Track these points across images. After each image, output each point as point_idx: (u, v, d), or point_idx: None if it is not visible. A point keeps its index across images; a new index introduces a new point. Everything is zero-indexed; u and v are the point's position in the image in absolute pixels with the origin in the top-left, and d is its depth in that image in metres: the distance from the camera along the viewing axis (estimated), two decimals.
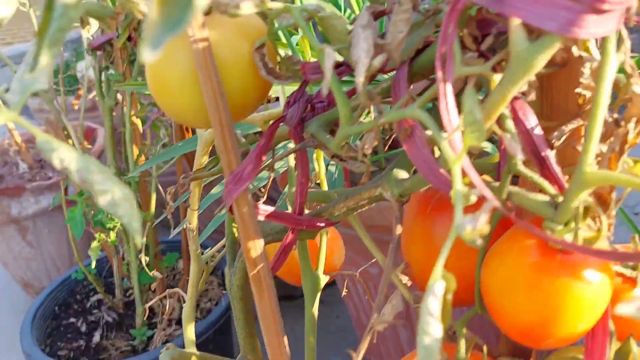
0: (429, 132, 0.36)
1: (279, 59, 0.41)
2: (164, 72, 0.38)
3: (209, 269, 0.67)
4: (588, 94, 0.36)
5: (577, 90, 0.36)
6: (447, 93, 0.31)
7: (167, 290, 0.71)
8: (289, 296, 1.49)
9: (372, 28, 0.35)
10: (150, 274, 1.02)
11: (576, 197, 0.31)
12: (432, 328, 0.27)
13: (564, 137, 0.37)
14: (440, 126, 0.31)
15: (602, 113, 0.30)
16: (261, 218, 0.43)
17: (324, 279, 0.57)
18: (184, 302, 1.23)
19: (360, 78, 0.32)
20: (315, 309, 0.57)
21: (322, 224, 0.45)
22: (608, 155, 0.34)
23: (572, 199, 0.31)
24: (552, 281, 0.32)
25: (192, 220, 0.58)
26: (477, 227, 0.25)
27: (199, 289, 0.67)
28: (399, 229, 0.39)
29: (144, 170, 1.10)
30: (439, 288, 0.27)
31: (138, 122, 1.11)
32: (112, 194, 0.30)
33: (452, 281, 0.27)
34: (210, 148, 0.58)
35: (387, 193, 0.39)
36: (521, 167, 0.34)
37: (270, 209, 0.43)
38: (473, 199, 0.30)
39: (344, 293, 0.62)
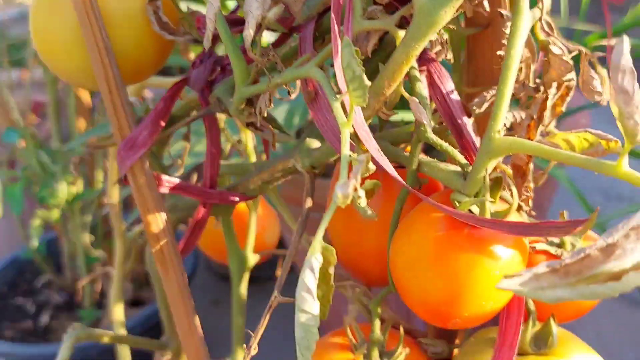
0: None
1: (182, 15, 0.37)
2: (47, 25, 0.34)
3: (138, 247, 0.63)
4: None
5: (499, 52, 0.33)
6: (339, 50, 0.28)
7: (98, 270, 0.68)
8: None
9: None
10: (96, 254, 0.98)
11: (484, 166, 0.28)
12: (309, 305, 0.24)
13: (485, 104, 0.34)
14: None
15: (512, 74, 0.28)
16: (165, 190, 0.39)
17: (254, 258, 0.54)
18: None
19: (249, 30, 0.29)
20: (244, 289, 0.54)
21: (236, 199, 0.42)
22: (527, 123, 0.31)
23: (480, 169, 0.29)
24: (457, 256, 0.29)
25: (112, 194, 0.54)
26: (348, 192, 0.22)
27: (127, 268, 0.63)
28: (308, 202, 0.36)
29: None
30: (315, 262, 0.24)
31: (85, 93, 1.07)
32: None
33: (332, 255, 0.24)
34: None
35: (298, 164, 0.36)
36: (430, 135, 0.31)
37: (175, 180, 0.40)
38: (372, 167, 0.27)
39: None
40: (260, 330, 0.35)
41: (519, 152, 0.28)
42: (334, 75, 0.28)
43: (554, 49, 0.29)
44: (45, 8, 0.34)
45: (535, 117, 0.31)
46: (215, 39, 0.38)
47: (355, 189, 0.22)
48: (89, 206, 1.08)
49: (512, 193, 0.30)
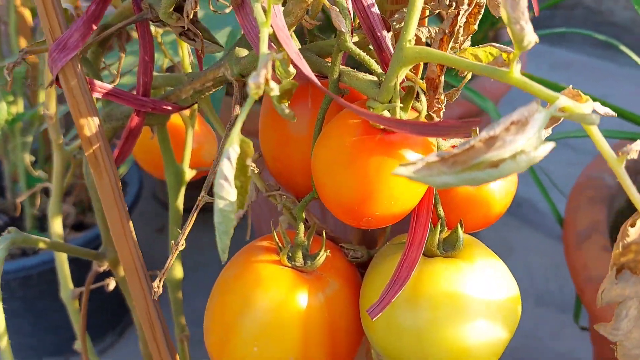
0: None
1: None
2: None
3: (77, 162, 0.64)
4: None
5: None
6: None
7: (38, 185, 0.68)
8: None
9: None
10: (36, 174, 0.98)
11: (395, 74, 0.30)
12: (226, 192, 0.26)
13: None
14: None
15: None
16: (97, 95, 0.40)
17: (190, 173, 0.55)
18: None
19: None
20: (180, 202, 0.56)
21: (169, 107, 0.43)
22: (439, 37, 0.33)
23: (392, 77, 0.30)
24: (369, 158, 0.31)
25: (50, 105, 0.54)
26: (259, 82, 0.24)
27: (66, 182, 0.64)
28: (237, 110, 0.37)
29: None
30: (232, 152, 0.25)
31: (26, 12, 1.03)
32: None
33: (249, 147, 0.26)
34: None
35: (228, 72, 0.37)
36: (350, 44, 0.32)
37: (108, 86, 0.41)
38: (292, 70, 0.29)
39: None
40: (187, 228, 0.37)
41: (427, 61, 0.30)
42: None
43: None
44: None
45: (447, 32, 0.33)
46: None
47: (267, 82, 0.24)
48: (29, 127, 1.06)
49: (435, 99, 0.32)
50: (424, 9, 0.36)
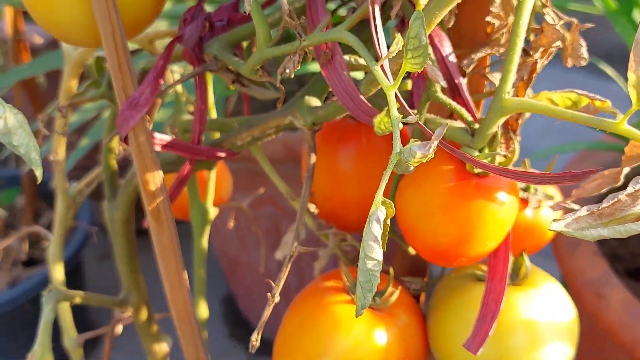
0: (346, 57, 0.35)
1: None
2: None
3: (77, 205, 0.61)
4: (497, 22, 0.36)
5: (488, 18, 0.37)
6: (376, 15, 0.30)
7: (22, 229, 0.65)
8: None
9: None
10: None
11: (494, 124, 0.32)
12: (375, 253, 0.26)
13: (472, 66, 0.37)
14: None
15: (520, 42, 0.31)
16: (158, 148, 0.40)
17: (213, 212, 0.55)
18: (32, 241, 1.13)
19: None
20: (205, 242, 0.55)
21: (223, 154, 0.43)
22: (517, 84, 0.35)
23: (490, 126, 0.32)
24: (468, 203, 0.33)
25: (59, 149, 0.52)
26: (429, 153, 0.25)
27: (67, 225, 0.61)
28: (313, 158, 0.38)
29: None
30: (381, 213, 0.26)
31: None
32: (4, 120, 0.26)
33: (390, 208, 0.27)
34: (81, 71, 0.52)
35: (300, 121, 0.38)
36: (440, 94, 0.34)
37: (167, 138, 0.40)
38: (400, 125, 0.30)
39: (231, 225, 0.60)
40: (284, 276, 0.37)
41: (528, 111, 0.32)
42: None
43: (548, 18, 0.33)
44: None
45: (525, 78, 0.35)
46: None
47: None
48: None
49: (511, 146, 0.34)
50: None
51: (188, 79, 0.38)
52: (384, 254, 0.44)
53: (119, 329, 0.60)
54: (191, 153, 0.41)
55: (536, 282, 0.40)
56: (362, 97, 0.33)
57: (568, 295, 0.41)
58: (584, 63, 0.33)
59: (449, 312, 0.40)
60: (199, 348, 0.47)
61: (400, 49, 0.28)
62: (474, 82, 0.39)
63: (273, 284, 0.35)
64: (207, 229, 0.55)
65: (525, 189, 0.42)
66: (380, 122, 0.30)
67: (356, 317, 0.33)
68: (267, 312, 0.35)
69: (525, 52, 0.35)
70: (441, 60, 0.35)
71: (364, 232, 0.27)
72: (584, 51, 0.33)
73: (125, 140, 0.37)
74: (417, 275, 0.46)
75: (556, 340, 0.38)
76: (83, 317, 1.18)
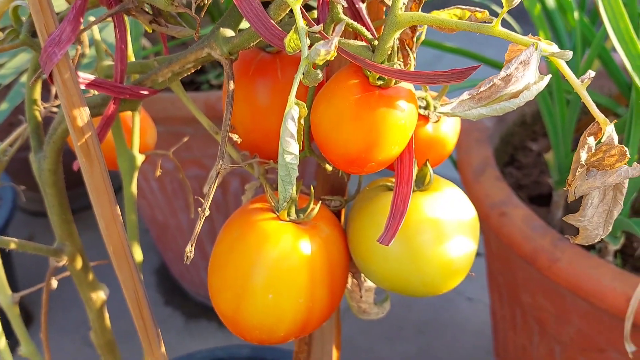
0: None
1: None
2: None
3: (3, 165, 0.62)
4: None
5: None
6: None
7: None
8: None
9: None
10: None
11: (390, 38, 0.36)
12: (292, 147, 0.30)
13: None
14: None
15: None
16: (82, 87, 0.41)
17: (140, 158, 0.57)
18: None
19: None
20: (134, 188, 0.58)
21: (146, 92, 0.45)
22: (410, 5, 0.39)
23: (387, 39, 0.36)
24: (372, 112, 0.37)
25: None
26: (331, 49, 0.28)
27: None
28: (232, 85, 0.41)
29: None
30: (295, 112, 0.30)
31: None
32: None
33: (303, 108, 0.31)
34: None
35: (217, 52, 0.41)
36: (342, 15, 0.38)
37: (90, 77, 0.42)
38: (307, 41, 0.33)
39: (158, 173, 0.62)
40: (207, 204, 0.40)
41: (418, 23, 0.36)
42: None
43: None
44: None
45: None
46: None
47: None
48: None
49: (407, 62, 0.38)
50: None
51: (106, 17, 0.40)
52: (306, 177, 0.48)
53: (55, 283, 0.62)
54: (115, 92, 0.43)
55: (439, 187, 0.45)
56: (272, 21, 0.36)
57: (467, 198, 0.46)
58: None
59: (364, 218, 0.44)
60: (137, 283, 0.49)
61: None
62: (373, 9, 0.43)
63: (202, 200, 0.38)
64: (135, 175, 0.57)
65: (426, 107, 0.47)
66: (290, 40, 0.33)
67: (279, 210, 0.37)
68: (197, 227, 0.38)
69: None
70: None
71: (280, 130, 0.30)
72: None
73: (50, 78, 0.39)
74: (337, 194, 0.50)
75: (459, 235, 0.44)
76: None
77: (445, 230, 0.43)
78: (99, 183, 0.44)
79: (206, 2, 0.35)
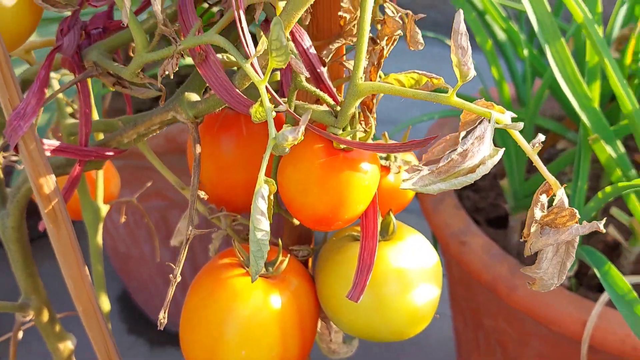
0: (220, 56, 0.39)
1: None
2: None
3: None
4: (348, 16, 0.42)
5: (340, 13, 0.42)
6: (242, 20, 0.34)
7: None
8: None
9: None
10: None
11: (352, 105, 0.38)
12: (263, 224, 0.31)
13: (331, 55, 0.43)
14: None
15: (366, 33, 0.37)
16: (48, 153, 0.42)
17: (105, 209, 0.57)
18: None
19: (157, 6, 0.34)
20: (100, 238, 0.57)
21: (111, 153, 0.45)
22: (369, 69, 0.41)
23: (349, 107, 0.38)
24: (337, 175, 0.38)
25: None
26: (298, 137, 0.30)
27: None
28: (198, 148, 0.41)
29: None
30: (265, 190, 0.31)
31: None
32: None
33: (272, 185, 0.32)
34: None
35: (182, 115, 0.41)
36: (305, 83, 0.39)
37: (55, 143, 0.42)
38: (273, 114, 0.34)
39: (122, 220, 0.62)
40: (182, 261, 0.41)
41: (378, 92, 0.38)
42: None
43: (389, 11, 0.39)
44: None
45: (375, 63, 0.41)
46: (82, 3, 0.40)
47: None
48: None
49: (368, 123, 0.40)
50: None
51: (70, 86, 0.40)
52: (273, 228, 0.49)
53: (20, 334, 0.61)
54: (81, 155, 0.44)
55: (402, 235, 0.47)
56: (237, 90, 0.37)
57: (430, 243, 0.48)
58: (421, 47, 0.39)
59: (332, 270, 0.46)
60: (107, 339, 0.50)
61: (266, 48, 0.32)
62: (334, 69, 0.44)
63: (173, 266, 0.39)
64: (100, 226, 0.57)
65: (387, 158, 0.48)
66: (256, 111, 0.34)
67: (252, 282, 0.38)
68: (170, 293, 0.38)
69: (373, 41, 0.41)
70: (303, 53, 0.40)
71: (251, 208, 0.31)
72: (419, 37, 0.39)
73: (15, 148, 0.39)
74: (304, 244, 0.52)
75: (424, 282, 0.45)
76: None
77: (410, 279, 0.45)
78: (66, 246, 0.44)
79: (170, 75, 0.36)
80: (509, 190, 0.78)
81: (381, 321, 0.44)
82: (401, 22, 0.39)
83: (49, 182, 0.41)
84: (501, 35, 0.79)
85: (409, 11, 0.39)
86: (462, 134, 0.35)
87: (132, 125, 0.44)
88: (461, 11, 0.31)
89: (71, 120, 0.50)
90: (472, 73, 0.33)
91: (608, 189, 0.59)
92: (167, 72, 0.36)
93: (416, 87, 0.40)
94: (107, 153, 0.45)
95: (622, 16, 0.73)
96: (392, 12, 0.39)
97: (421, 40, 0.39)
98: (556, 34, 0.58)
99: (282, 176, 0.41)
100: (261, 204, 0.31)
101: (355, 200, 0.39)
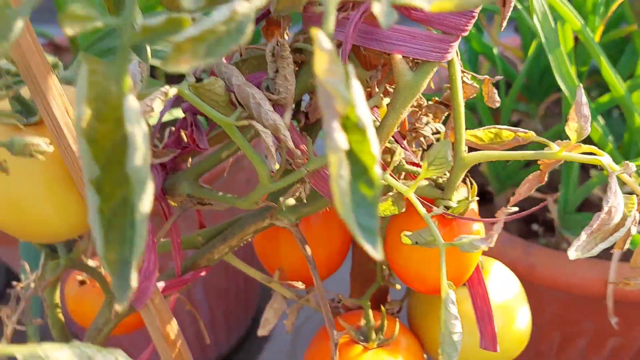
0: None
1: None
2: None
3: None
4: None
5: None
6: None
7: None
8: None
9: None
10: None
11: (459, 178, 0.39)
12: (457, 328, 0.33)
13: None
14: None
15: (462, 109, 0.38)
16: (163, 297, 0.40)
17: None
18: None
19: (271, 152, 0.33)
20: None
21: (203, 273, 0.44)
22: (449, 133, 0.43)
23: (456, 180, 0.40)
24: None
25: None
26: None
27: None
28: (308, 250, 0.42)
29: None
30: (452, 295, 0.32)
31: None
32: None
33: (452, 287, 0.33)
34: None
35: (282, 222, 0.41)
36: (407, 166, 0.40)
37: (162, 284, 0.41)
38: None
39: None
40: None
41: (484, 161, 0.40)
42: None
43: (465, 79, 0.41)
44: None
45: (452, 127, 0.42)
46: None
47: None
48: None
49: (468, 189, 0.42)
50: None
51: (165, 231, 0.39)
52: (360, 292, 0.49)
53: None
54: (182, 285, 0.42)
55: (488, 268, 0.50)
56: None
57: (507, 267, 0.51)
58: (497, 104, 0.42)
59: (436, 316, 0.47)
60: None
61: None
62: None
63: None
64: None
65: None
66: (385, 209, 0.35)
67: None
68: None
69: (448, 106, 0.42)
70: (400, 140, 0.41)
71: (442, 314, 0.33)
72: (496, 96, 0.42)
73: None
74: (382, 297, 0.53)
75: (520, 306, 0.49)
76: None
77: (512, 309, 0.48)
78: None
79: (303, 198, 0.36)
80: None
81: (495, 355, 0.47)
82: (477, 86, 0.41)
83: (173, 327, 0.39)
84: None
85: (486, 76, 0.41)
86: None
87: (222, 241, 0.43)
88: (581, 85, 0.34)
89: None
90: (588, 131, 0.36)
91: None
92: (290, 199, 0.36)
93: (497, 141, 0.42)
94: (202, 274, 0.44)
95: None
96: (468, 79, 0.41)
97: (497, 98, 0.41)
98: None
99: (399, 253, 0.42)
100: (453, 309, 0.32)
101: (473, 263, 0.42)
